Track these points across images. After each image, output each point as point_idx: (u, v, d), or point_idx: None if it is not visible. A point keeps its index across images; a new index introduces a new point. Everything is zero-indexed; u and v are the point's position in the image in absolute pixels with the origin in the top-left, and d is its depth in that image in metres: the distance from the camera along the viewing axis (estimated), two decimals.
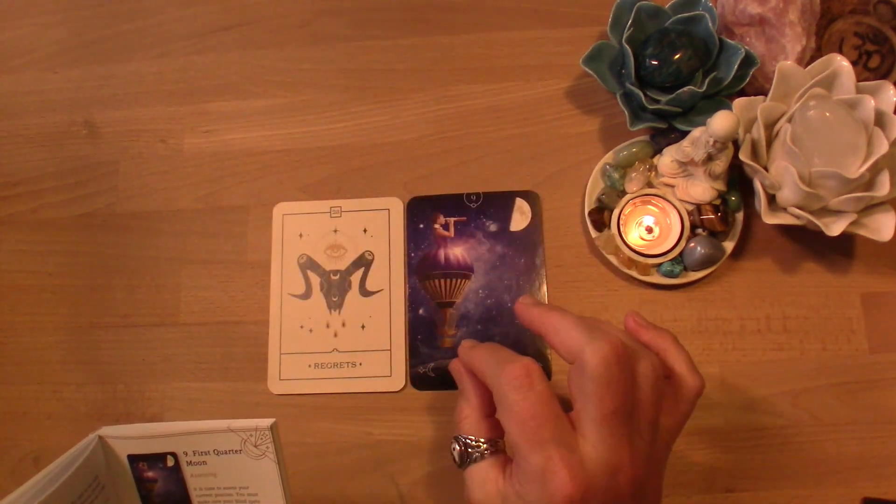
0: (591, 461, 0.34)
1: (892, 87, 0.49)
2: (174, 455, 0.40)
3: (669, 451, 0.40)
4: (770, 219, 0.48)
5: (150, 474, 0.41)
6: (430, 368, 0.54)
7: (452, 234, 0.56)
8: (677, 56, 0.52)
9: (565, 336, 0.38)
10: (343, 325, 0.55)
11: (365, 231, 0.57)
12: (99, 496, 0.39)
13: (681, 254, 0.52)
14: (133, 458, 0.41)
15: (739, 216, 0.53)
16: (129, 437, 0.40)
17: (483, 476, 0.38)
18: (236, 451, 0.39)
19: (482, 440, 0.39)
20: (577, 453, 0.35)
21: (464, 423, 0.41)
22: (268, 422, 0.39)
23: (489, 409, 0.41)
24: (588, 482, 0.34)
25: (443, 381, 0.54)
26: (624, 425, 0.35)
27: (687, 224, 0.52)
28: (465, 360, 0.42)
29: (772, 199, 0.50)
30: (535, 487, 0.34)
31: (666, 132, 0.54)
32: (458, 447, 0.40)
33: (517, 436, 0.35)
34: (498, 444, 0.40)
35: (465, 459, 0.39)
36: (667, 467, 0.51)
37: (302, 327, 0.56)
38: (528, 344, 0.53)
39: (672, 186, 0.53)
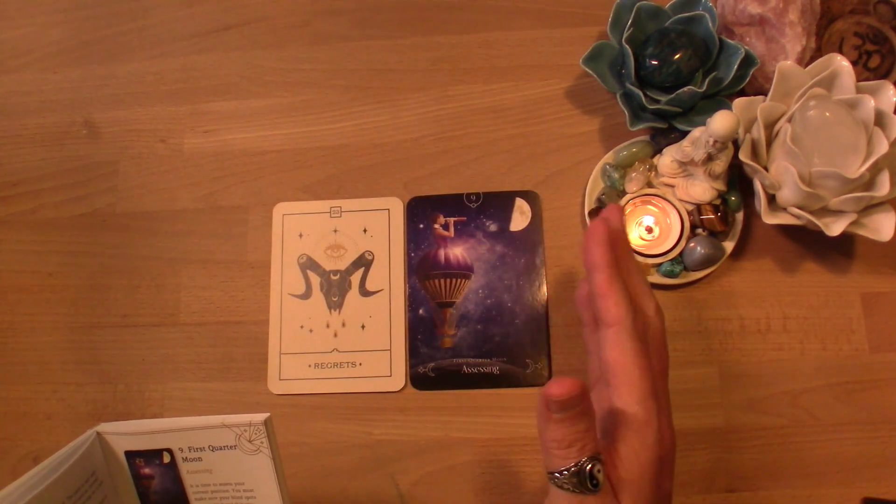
0: (667, 410, 0.38)
1: (892, 87, 0.49)
2: (170, 451, 0.40)
3: None
4: (770, 219, 0.48)
5: (147, 471, 0.41)
6: (430, 368, 0.54)
7: (452, 234, 0.56)
8: (677, 56, 0.52)
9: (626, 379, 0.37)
10: (343, 325, 0.55)
11: (365, 231, 0.57)
12: (97, 492, 0.39)
13: (681, 254, 0.52)
14: (130, 455, 0.41)
15: (739, 216, 0.53)
16: (125, 434, 0.40)
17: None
18: (231, 447, 0.39)
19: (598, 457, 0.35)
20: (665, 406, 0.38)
21: (590, 444, 0.34)
22: (262, 417, 0.39)
23: (593, 417, 0.36)
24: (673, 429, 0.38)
25: (443, 381, 0.54)
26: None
27: (687, 224, 0.52)
28: (614, 295, 0.37)
29: (772, 199, 0.50)
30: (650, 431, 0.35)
31: (666, 132, 0.54)
32: (599, 467, 0.34)
33: (637, 381, 0.36)
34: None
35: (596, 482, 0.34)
36: None
37: (302, 327, 0.56)
38: (527, 344, 0.53)
39: (672, 186, 0.53)
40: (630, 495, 0.35)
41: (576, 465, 0.34)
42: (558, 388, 0.33)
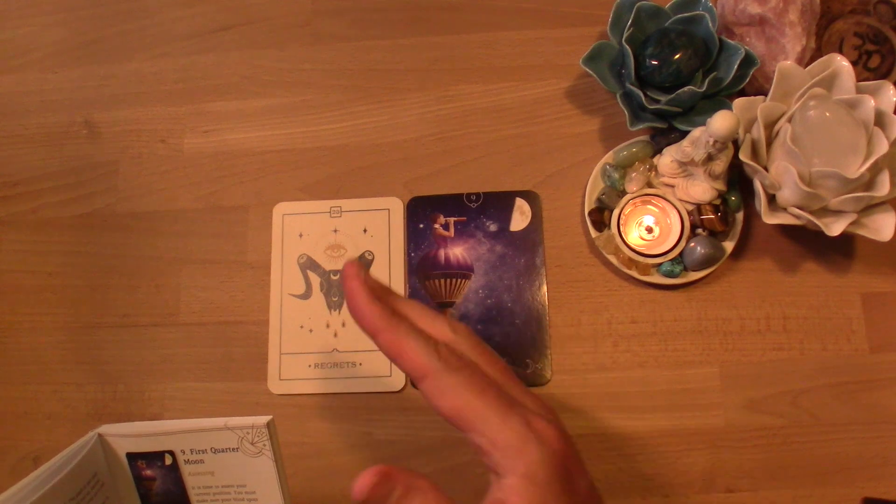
0: (532, 408, 0.34)
1: (892, 87, 0.49)
2: (172, 453, 0.40)
3: None
4: (770, 219, 0.48)
5: (148, 473, 0.41)
6: None
7: (452, 234, 0.56)
8: (677, 56, 0.52)
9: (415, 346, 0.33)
10: (343, 325, 0.55)
11: (365, 231, 0.57)
12: (98, 494, 0.39)
13: (681, 254, 0.52)
14: (132, 457, 0.41)
15: (739, 216, 0.53)
16: (127, 435, 0.40)
17: None
18: (233, 449, 0.39)
19: None
20: (526, 406, 0.34)
21: None
22: (264, 419, 0.39)
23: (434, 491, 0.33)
24: (554, 424, 0.33)
25: None
26: (515, 377, 0.36)
27: (687, 224, 0.52)
28: (389, 337, 0.34)
29: (772, 199, 0.50)
30: (531, 450, 0.31)
31: (666, 132, 0.54)
32: None
33: (483, 409, 0.32)
34: None
35: None
36: (667, 467, 0.51)
37: (302, 327, 0.56)
38: (527, 344, 0.53)
39: (672, 186, 0.53)
40: None
41: None
42: (360, 488, 0.30)
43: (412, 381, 0.33)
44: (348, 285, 0.35)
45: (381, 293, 0.35)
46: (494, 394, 0.32)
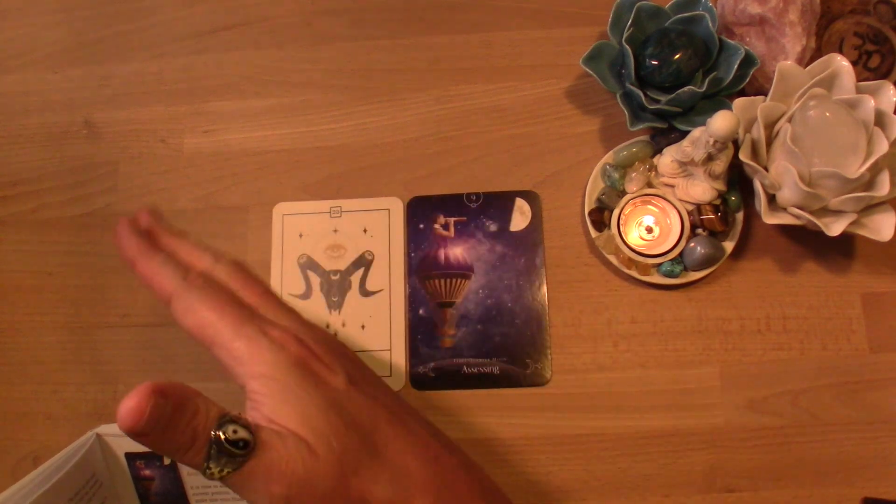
0: (287, 325, 0.35)
1: (892, 87, 0.49)
2: None
3: None
4: (770, 219, 0.48)
5: (147, 472, 0.41)
6: (430, 368, 0.54)
7: (452, 234, 0.56)
8: (677, 56, 0.52)
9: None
10: (343, 325, 0.55)
11: (365, 231, 0.57)
12: (97, 494, 0.39)
13: (681, 254, 0.52)
14: (130, 457, 0.41)
15: (739, 216, 0.53)
16: (125, 435, 0.40)
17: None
18: None
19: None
20: (278, 323, 0.35)
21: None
22: None
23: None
24: (311, 336, 0.34)
25: (443, 381, 0.54)
26: (274, 299, 0.38)
27: (687, 224, 0.52)
28: (143, 268, 0.37)
29: (772, 199, 0.50)
30: (267, 358, 0.33)
31: (666, 132, 0.54)
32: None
33: (222, 326, 0.33)
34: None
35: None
36: (667, 467, 0.51)
37: None
38: (527, 344, 0.53)
39: (672, 186, 0.53)
40: (290, 417, 0.32)
41: (206, 452, 0.30)
42: (128, 415, 0.29)
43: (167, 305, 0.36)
44: (119, 226, 0.38)
45: (152, 232, 0.38)
46: (232, 310, 0.34)
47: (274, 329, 0.34)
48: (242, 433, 0.30)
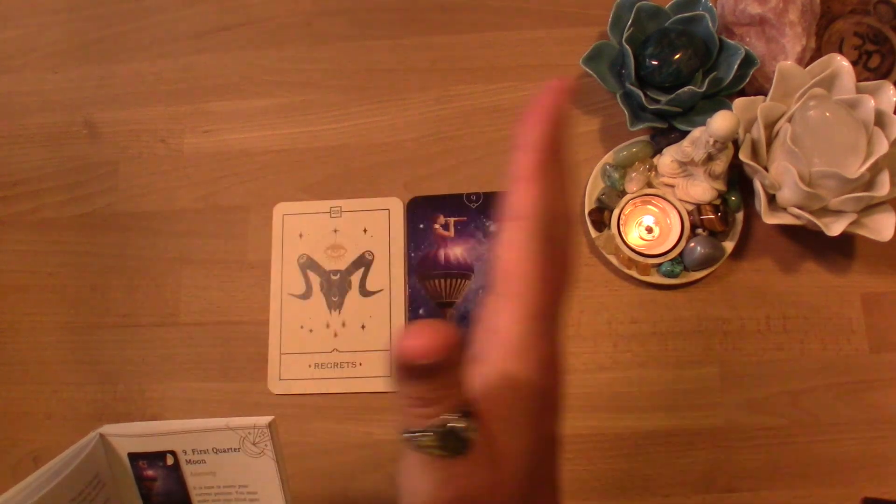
0: None
1: (892, 87, 0.49)
2: (173, 454, 0.40)
3: None
4: (770, 219, 0.48)
5: (150, 473, 0.41)
6: None
7: (452, 234, 0.56)
8: (677, 56, 0.52)
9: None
10: (343, 325, 0.55)
11: (365, 231, 0.57)
12: (100, 494, 0.39)
13: (681, 254, 0.52)
14: (133, 457, 0.41)
15: (739, 216, 0.53)
16: (129, 436, 0.40)
17: None
18: (235, 450, 0.39)
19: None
20: None
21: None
22: (266, 420, 0.39)
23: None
24: None
25: None
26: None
27: (687, 224, 0.52)
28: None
29: (772, 199, 0.50)
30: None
31: (666, 132, 0.54)
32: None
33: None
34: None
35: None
36: (667, 467, 0.51)
37: (302, 327, 0.56)
38: None
39: (672, 186, 0.53)
40: (501, 432, 0.27)
41: (440, 424, 0.26)
42: (421, 346, 0.24)
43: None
44: (546, 94, 0.28)
45: (563, 128, 0.29)
46: (550, 291, 0.28)
47: (555, 344, 0.28)
48: (471, 438, 0.26)
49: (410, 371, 0.24)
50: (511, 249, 0.28)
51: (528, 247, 0.28)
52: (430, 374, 0.25)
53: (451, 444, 0.26)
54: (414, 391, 0.25)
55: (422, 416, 0.25)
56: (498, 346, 0.27)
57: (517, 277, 0.28)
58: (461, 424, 0.25)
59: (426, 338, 0.24)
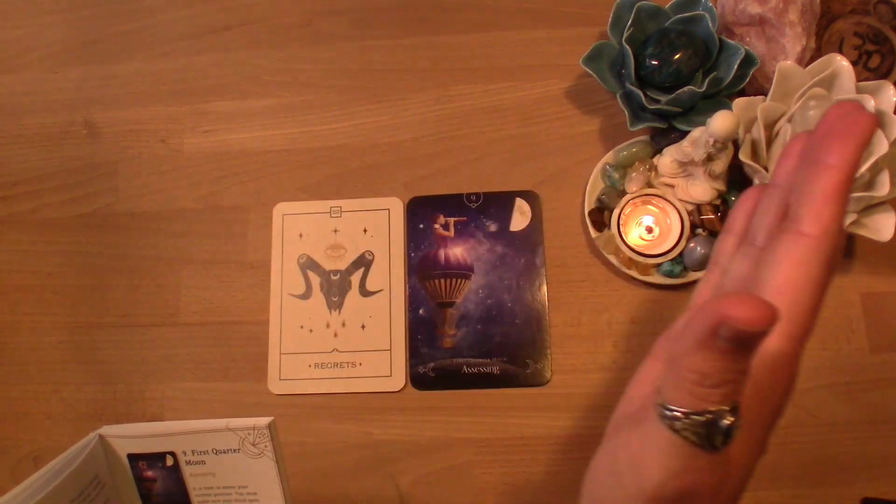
0: None
1: (892, 87, 0.49)
2: (173, 454, 0.40)
3: None
4: None
5: (149, 473, 0.41)
6: (430, 368, 0.54)
7: (452, 234, 0.56)
8: (677, 56, 0.52)
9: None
10: (343, 325, 0.55)
11: (365, 231, 0.57)
12: (99, 495, 0.39)
13: (681, 254, 0.52)
14: (133, 458, 0.41)
15: None
16: (128, 437, 0.40)
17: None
18: (234, 450, 0.39)
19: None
20: None
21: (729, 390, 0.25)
22: (265, 420, 0.39)
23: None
24: None
25: (443, 381, 0.54)
26: None
27: (687, 224, 0.52)
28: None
29: None
30: None
31: (666, 132, 0.54)
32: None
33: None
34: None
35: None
36: None
37: (302, 327, 0.56)
38: (527, 344, 0.53)
39: (672, 186, 0.53)
40: (741, 439, 0.26)
41: (712, 414, 0.25)
42: (754, 311, 0.22)
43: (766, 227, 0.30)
44: (854, 120, 0.27)
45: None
46: (816, 316, 0.26)
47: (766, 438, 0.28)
48: (735, 435, 0.25)
49: (734, 341, 0.23)
50: (798, 267, 0.26)
51: (812, 269, 0.26)
52: (749, 349, 0.24)
53: (714, 437, 0.25)
54: (706, 366, 0.24)
55: (702, 398, 0.24)
56: (757, 360, 0.26)
57: (797, 301, 0.26)
58: (731, 419, 0.24)
59: (764, 308, 0.22)
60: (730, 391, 0.24)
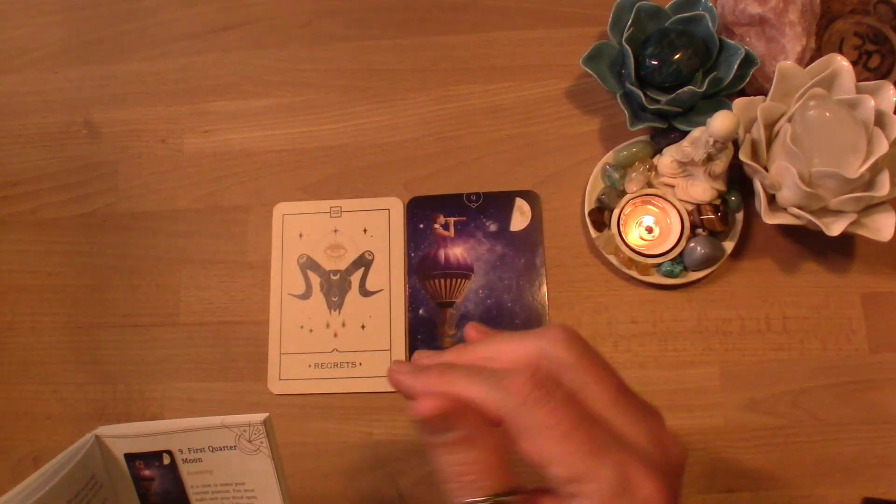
0: (646, 449, 0.27)
1: (892, 87, 0.49)
2: (170, 453, 0.40)
3: None
4: (770, 219, 0.48)
5: (147, 473, 0.41)
6: None
7: (452, 234, 0.56)
8: (677, 56, 0.52)
9: (508, 353, 0.30)
10: (343, 325, 0.55)
11: (365, 231, 0.57)
12: (97, 495, 0.39)
13: (681, 254, 0.52)
14: (130, 457, 0.41)
15: (739, 216, 0.53)
16: (124, 436, 0.40)
17: None
18: (231, 448, 0.39)
19: (507, 495, 0.28)
20: (635, 448, 0.27)
21: (477, 481, 0.28)
22: (261, 417, 0.39)
23: (499, 449, 0.29)
24: (662, 472, 0.27)
25: None
26: (632, 396, 0.29)
27: (687, 224, 0.52)
28: (443, 390, 0.30)
29: (772, 199, 0.50)
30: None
31: (666, 132, 0.54)
32: None
33: (568, 457, 0.26)
34: (522, 491, 0.29)
35: None
36: None
37: (302, 327, 0.56)
38: None
39: (672, 186, 0.53)
40: None
41: (488, 498, 0.27)
42: (420, 405, 0.27)
43: None
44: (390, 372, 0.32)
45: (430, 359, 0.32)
46: (584, 437, 0.27)
47: (635, 469, 0.26)
48: None
49: (427, 428, 0.27)
50: (519, 442, 0.28)
51: (523, 423, 0.28)
52: (451, 444, 0.28)
53: None
54: (444, 461, 0.28)
55: (470, 486, 0.27)
56: (562, 487, 0.27)
57: (542, 458, 0.28)
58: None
59: (428, 405, 0.27)
60: (475, 480, 0.27)
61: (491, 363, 0.30)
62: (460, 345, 0.32)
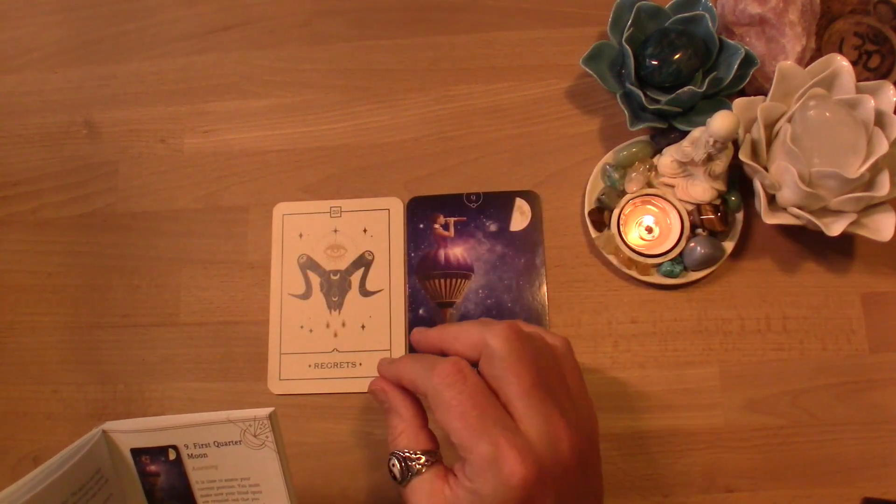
0: (532, 437, 0.35)
1: (892, 87, 0.49)
2: (175, 448, 0.40)
3: (596, 422, 0.42)
4: (770, 219, 0.49)
5: (152, 468, 0.41)
6: None
7: (452, 234, 0.56)
8: (677, 56, 0.52)
9: (465, 337, 0.39)
10: (343, 325, 0.55)
11: (365, 231, 0.57)
12: (102, 489, 0.39)
13: (681, 254, 0.52)
14: (136, 452, 0.41)
15: (739, 216, 0.53)
16: (131, 431, 0.40)
17: (428, 488, 0.37)
18: (236, 442, 0.39)
19: (420, 452, 0.39)
20: (520, 433, 0.35)
21: (399, 439, 0.40)
22: (266, 411, 0.39)
23: (422, 419, 0.41)
24: (537, 458, 0.34)
25: None
26: (548, 395, 0.36)
27: (687, 224, 0.52)
28: (391, 375, 0.42)
29: (772, 199, 0.50)
30: (489, 477, 0.34)
31: (666, 132, 0.54)
32: (396, 463, 0.39)
33: (460, 430, 0.35)
34: (437, 455, 0.39)
35: (406, 474, 0.38)
36: (667, 467, 0.51)
37: (302, 327, 0.56)
38: None
39: (672, 186, 0.53)
40: None
41: (391, 457, 0.39)
42: (370, 384, 0.43)
43: None
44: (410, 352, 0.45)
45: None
46: (475, 417, 0.35)
47: (512, 446, 0.34)
48: (395, 473, 0.39)
49: (373, 396, 0.43)
50: (434, 414, 0.39)
51: (435, 402, 0.39)
52: (386, 410, 0.42)
53: (394, 476, 0.39)
54: (391, 423, 0.41)
55: (394, 441, 0.40)
56: (466, 463, 0.37)
57: (448, 428, 0.38)
58: (392, 463, 0.39)
59: (376, 383, 0.43)
60: (394, 439, 0.40)
61: (456, 342, 0.39)
62: (444, 324, 0.46)
